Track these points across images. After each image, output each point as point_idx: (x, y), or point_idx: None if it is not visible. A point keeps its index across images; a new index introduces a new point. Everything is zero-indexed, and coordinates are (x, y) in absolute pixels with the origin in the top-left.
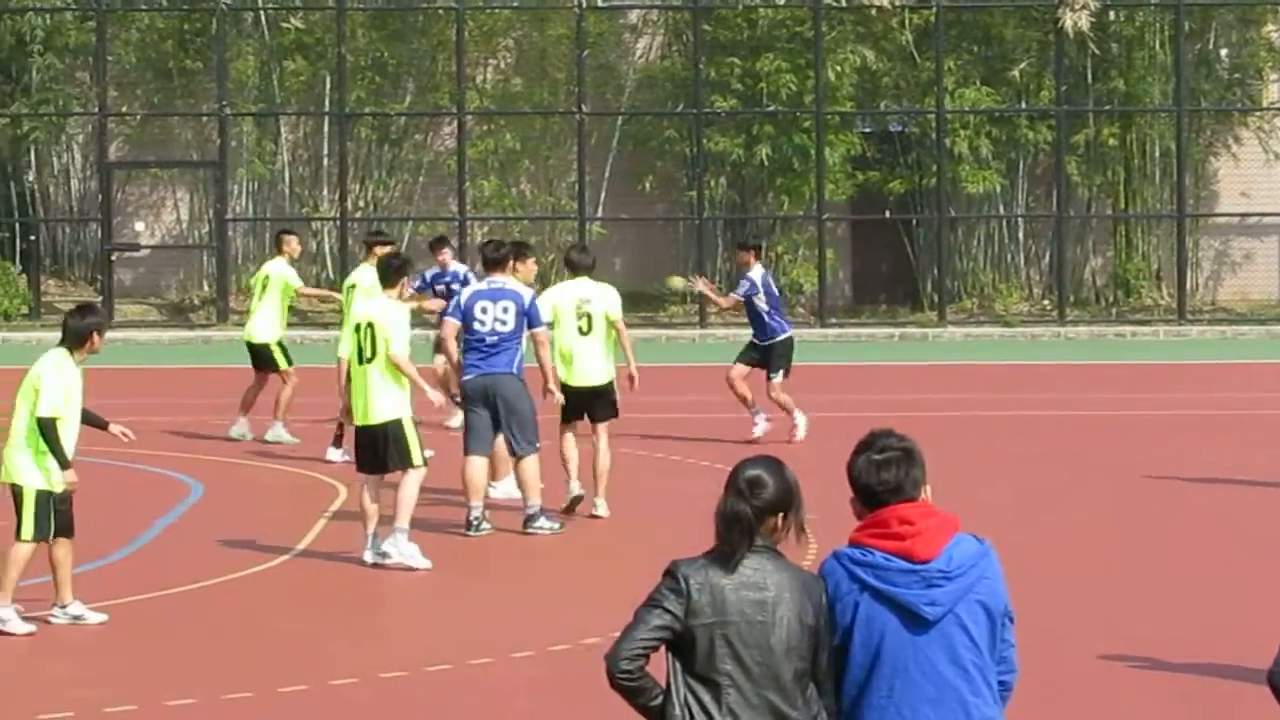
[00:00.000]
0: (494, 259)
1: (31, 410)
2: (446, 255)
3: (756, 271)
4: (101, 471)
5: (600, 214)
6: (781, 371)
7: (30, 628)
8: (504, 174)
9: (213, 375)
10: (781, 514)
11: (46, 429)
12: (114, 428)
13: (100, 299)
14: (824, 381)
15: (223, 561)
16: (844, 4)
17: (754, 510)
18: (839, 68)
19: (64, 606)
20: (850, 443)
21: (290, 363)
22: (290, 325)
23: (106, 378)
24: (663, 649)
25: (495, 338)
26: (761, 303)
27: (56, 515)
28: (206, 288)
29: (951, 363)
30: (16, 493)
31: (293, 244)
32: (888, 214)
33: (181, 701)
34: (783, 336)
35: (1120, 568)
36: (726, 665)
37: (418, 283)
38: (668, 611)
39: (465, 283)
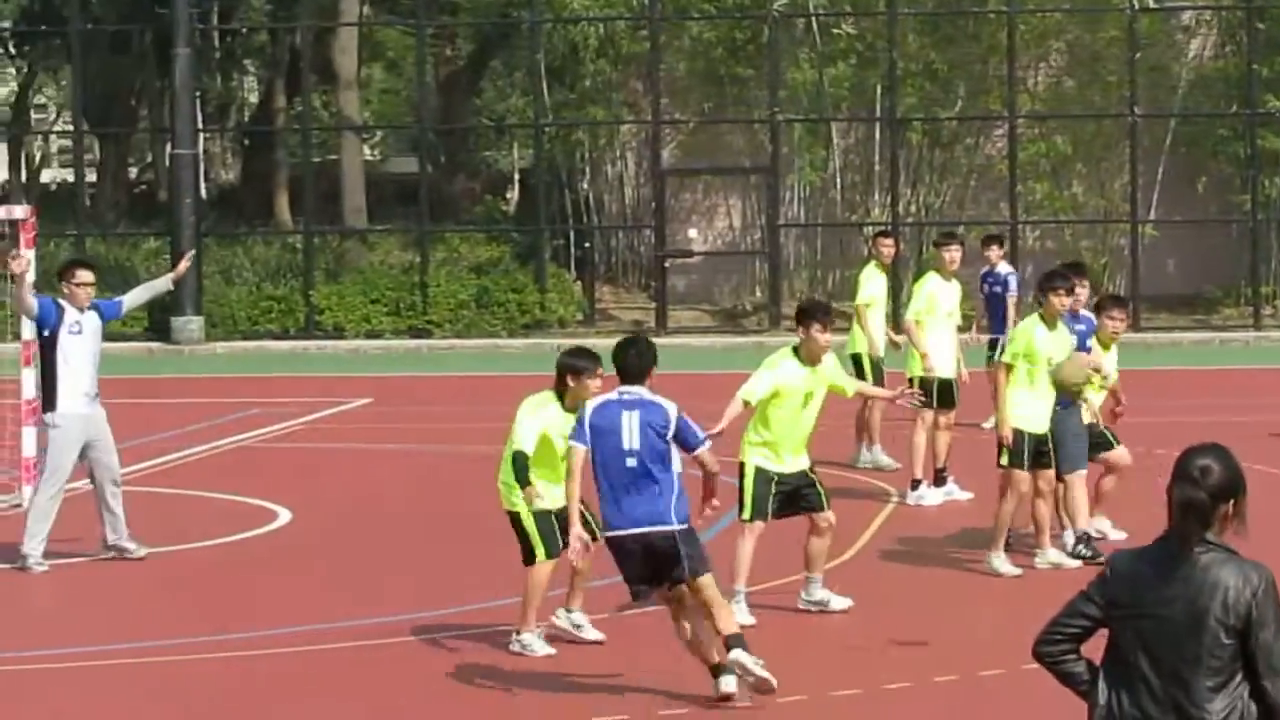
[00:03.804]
0: None
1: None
2: (994, 253)
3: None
4: None
5: (1153, 216)
6: None
7: (551, 650)
8: (1056, 177)
9: None
10: (1231, 501)
11: (516, 460)
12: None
13: (654, 305)
14: None
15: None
16: None
17: (1208, 496)
18: None
19: (569, 610)
20: None
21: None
22: None
23: (661, 383)
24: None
25: None
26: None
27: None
28: (759, 293)
29: None
30: (513, 519)
31: (882, 246)
32: None
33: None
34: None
35: None
36: (1138, 659)
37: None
38: (1091, 601)
39: (1006, 286)
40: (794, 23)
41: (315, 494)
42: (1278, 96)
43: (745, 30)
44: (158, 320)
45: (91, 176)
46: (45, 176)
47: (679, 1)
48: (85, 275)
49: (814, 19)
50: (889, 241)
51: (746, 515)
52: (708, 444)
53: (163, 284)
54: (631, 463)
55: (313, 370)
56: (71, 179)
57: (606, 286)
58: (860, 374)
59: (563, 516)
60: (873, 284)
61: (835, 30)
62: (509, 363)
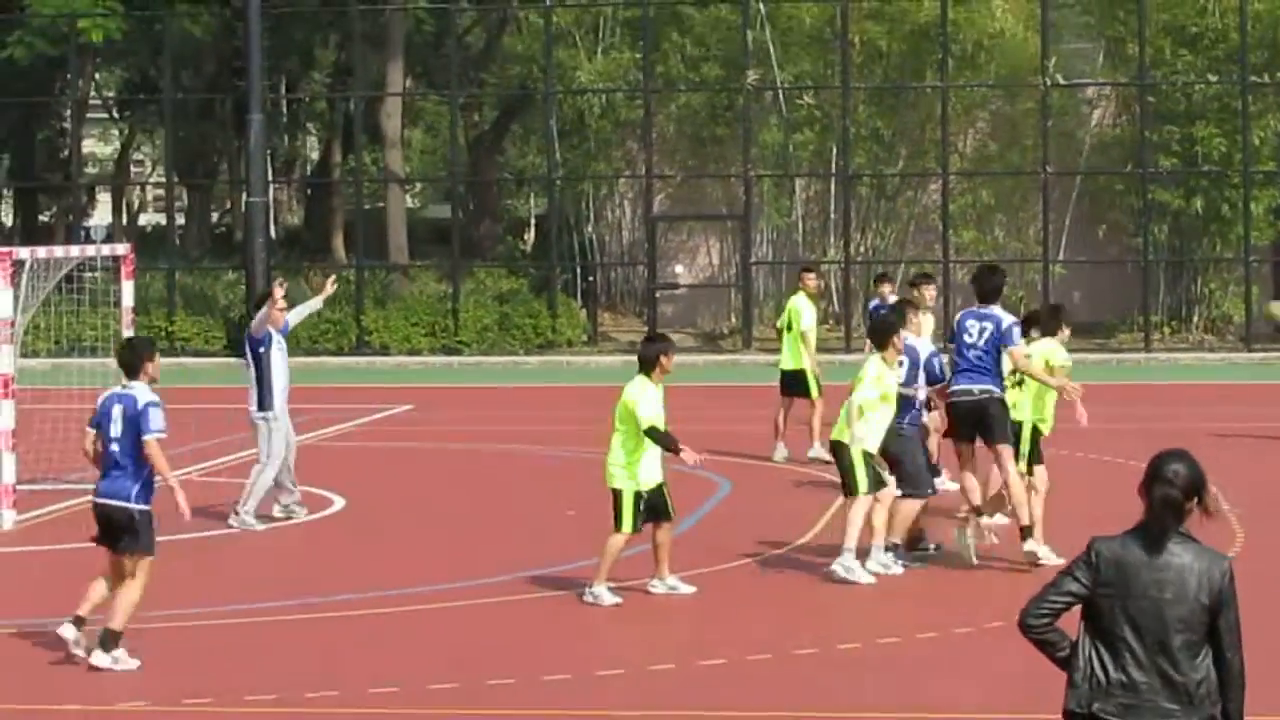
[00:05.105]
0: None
1: (630, 427)
2: (885, 289)
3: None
4: None
5: (1061, 257)
6: None
7: (618, 599)
8: (981, 224)
9: (740, 392)
10: (1196, 498)
11: (653, 434)
12: (686, 455)
13: (646, 329)
14: (1252, 397)
15: (739, 548)
16: (1267, 80)
17: (1181, 494)
18: (1263, 133)
19: (663, 579)
20: None
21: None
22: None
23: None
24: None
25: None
26: None
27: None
28: (734, 319)
29: None
30: (616, 495)
31: (808, 280)
32: None
33: (715, 662)
34: None
35: None
36: (1124, 631)
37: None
38: (1078, 580)
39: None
40: (764, 94)
41: (366, 484)
42: (1165, 158)
43: (723, 99)
44: (237, 340)
45: (180, 220)
46: (142, 220)
47: (668, 75)
48: (284, 301)
49: (781, 91)
50: (812, 275)
51: None
52: (155, 435)
53: (316, 303)
54: (115, 447)
55: (362, 382)
56: (164, 222)
57: (607, 313)
58: (807, 388)
59: (650, 496)
60: (808, 312)
61: (798, 101)
62: (526, 376)
